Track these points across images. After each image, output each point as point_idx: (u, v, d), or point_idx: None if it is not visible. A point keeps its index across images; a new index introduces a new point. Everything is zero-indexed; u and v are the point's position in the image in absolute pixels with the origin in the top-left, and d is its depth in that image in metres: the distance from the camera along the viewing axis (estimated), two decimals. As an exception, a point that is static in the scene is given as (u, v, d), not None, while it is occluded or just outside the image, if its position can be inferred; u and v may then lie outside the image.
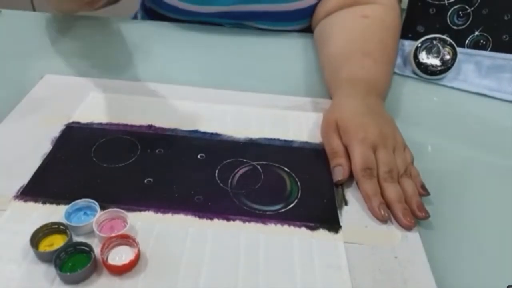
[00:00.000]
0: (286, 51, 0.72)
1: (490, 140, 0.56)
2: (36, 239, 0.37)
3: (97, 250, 0.37)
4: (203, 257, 0.38)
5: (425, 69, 0.66)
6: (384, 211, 0.42)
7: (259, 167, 0.47)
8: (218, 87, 0.60)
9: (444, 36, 0.66)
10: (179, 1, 0.69)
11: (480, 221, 0.45)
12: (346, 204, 0.44)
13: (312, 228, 0.41)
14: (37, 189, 0.43)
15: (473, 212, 0.46)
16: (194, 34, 0.72)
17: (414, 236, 0.41)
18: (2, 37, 0.70)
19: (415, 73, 0.67)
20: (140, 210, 0.42)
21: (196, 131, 0.52)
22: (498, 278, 0.39)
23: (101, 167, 0.46)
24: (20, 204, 0.41)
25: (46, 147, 0.48)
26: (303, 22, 0.75)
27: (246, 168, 0.47)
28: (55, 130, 0.50)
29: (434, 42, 0.66)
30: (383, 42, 0.61)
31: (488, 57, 0.68)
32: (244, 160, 0.48)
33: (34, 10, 1.59)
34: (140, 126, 0.52)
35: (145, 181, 0.45)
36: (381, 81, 0.57)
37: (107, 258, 0.37)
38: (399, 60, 0.69)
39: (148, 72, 0.63)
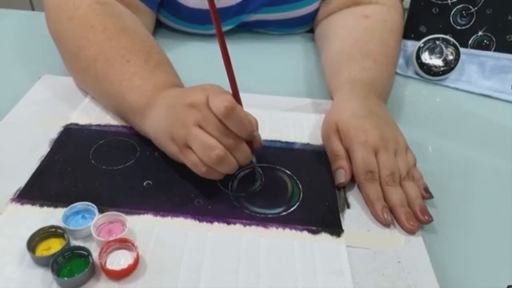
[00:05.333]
0: (287, 52, 0.71)
1: (493, 142, 0.55)
2: (33, 243, 0.37)
3: (95, 254, 0.36)
4: (203, 262, 0.38)
5: (427, 69, 0.65)
6: (387, 215, 0.42)
7: (259, 169, 0.47)
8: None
9: (447, 36, 0.65)
10: (190, 25, 0.69)
11: (484, 224, 0.44)
12: (348, 207, 0.44)
13: (314, 232, 0.41)
14: (34, 191, 0.42)
15: (477, 215, 0.45)
16: (193, 35, 0.71)
17: (417, 240, 0.41)
18: (0, 37, 0.70)
19: (417, 74, 0.66)
20: (139, 213, 0.41)
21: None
22: (500, 281, 0.39)
23: (99, 169, 0.45)
24: (17, 207, 0.41)
25: (43, 149, 0.47)
26: (309, 25, 0.75)
27: (247, 171, 0.46)
28: (53, 132, 0.50)
29: (437, 42, 0.65)
30: (384, 43, 0.61)
31: (492, 57, 0.68)
32: (245, 162, 0.47)
33: (33, 9, 1.58)
34: (139, 128, 0.51)
35: (144, 183, 0.44)
36: (382, 82, 0.57)
37: (105, 263, 0.36)
38: (401, 61, 0.68)
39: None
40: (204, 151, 0.40)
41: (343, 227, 0.41)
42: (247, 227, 0.41)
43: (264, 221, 0.41)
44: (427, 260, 0.39)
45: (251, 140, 0.42)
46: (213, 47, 0.70)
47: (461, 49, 0.65)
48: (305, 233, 0.41)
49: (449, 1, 0.68)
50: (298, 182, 0.46)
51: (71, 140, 0.49)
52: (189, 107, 0.41)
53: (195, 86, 0.44)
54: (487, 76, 0.66)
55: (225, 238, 0.40)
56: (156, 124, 0.45)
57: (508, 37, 0.67)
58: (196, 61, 0.67)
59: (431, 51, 0.65)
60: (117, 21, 0.53)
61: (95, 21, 0.52)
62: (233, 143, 0.40)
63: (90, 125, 0.51)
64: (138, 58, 0.49)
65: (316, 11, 0.71)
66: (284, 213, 0.42)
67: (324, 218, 0.42)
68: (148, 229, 0.40)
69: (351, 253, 0.39)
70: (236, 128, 0.40)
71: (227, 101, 0.39)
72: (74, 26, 0.53)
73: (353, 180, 0.46)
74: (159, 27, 0.71)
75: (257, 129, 0.42)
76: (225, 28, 0.70)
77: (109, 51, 0.50)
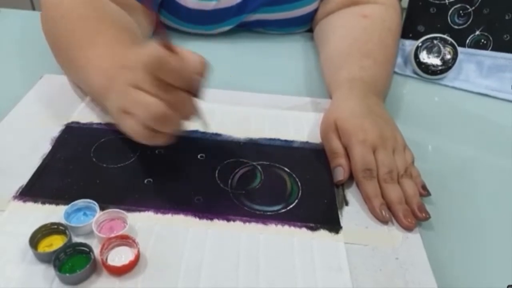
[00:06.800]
0: (287, 51, 0.71)
1: (491, 140, 0.56)
2: (35, 239, 0.37)
3: (96, 250, 0.36)
4: (203, 258, 0.38)
5: (425, 68, 0.65)
6: (385, 212, 0.42)
7: (259, 167, 0.47)
8: (218, 87, 0.60)
9: (444, 36, 0.66)
10: (190, 25, 0.70)
11: (481, 221, 0.45)
12: (346, 204, 0.44)
13: (312, 229, 0.41)
14: (36, 189, 0.43)
15: (474, 213, 0.45)
16: (194, 35, 0.71)
17: (415, 237, 0.41)
18: (0, 37, 0.70)
19: (415, 73, 0.67)
20: (139, 211, 0.41)
21: (196, 131, 0.51)
22: (498, 278, 0.39)
23: (100, 167, 0.46)
24: (19, 204, 0.41)
25: (45, 147, 0.48)
26: (308, 25, 0.75)
27: (246, 169, 0.47)
28: (55, 130, 0.50)
29: (435, 41, 0.66)
30: (383, 42, 0.61)
31: (489, 56, 0.68)
32: (244, 160, 0.48)
33: (33, 9, 1.58)
34: (140, 126, 0.51)
35: (145, 181, 0.45)
36: (381, 81, 0.57)
37: (106, 259, 0.37)
38: (399, 60, 0.68)
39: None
40: (143, 111, 0.37)
41: (342, 224, 0.42)
42: (247, 224, 0.41)
43: (264, 218, 0.42)
44: (424, 257, 0.39)
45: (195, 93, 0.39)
46: (213, 47, 0.71)
47: (459, 49, 0.65)
48: (304, 230, 0.41)
49: (447, 1, 0.68)
50: (297, 179, 0.46)
51: (73, 138, 0.49)
52: (122, 68, 0.39)
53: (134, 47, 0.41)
54: (484, 75, 0.66)
55: (225, 235, 0.40)
56: (110, 101, 0.43)
57: (505, 36, 0.68)
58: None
59: (429, 51, 0.66)
60: (95, 9, 0.54)
61: (71, 10, 0.53)
62: (172, 96, 0.37)
63: (91, 124, 0.51)
64: (97, 32, 0.49)
65: (315, 11, 0.72)
66: (283, 210, 0.43)
67: (323, 215, 0.43)
68: (149, 226, 0.40)
69: (350, 250, 0.40)
70: (170, 78, 0.36)
71: (153, 52, 0.35)
72: (55, 23, 0.55)
73: (351, 178, 0.46)
74: (158, 26, 0.72)
75: (204, 73, 0.38)
76: (225, 28, 0.70)
77: (78, 35, 0.51)
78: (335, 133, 0.49)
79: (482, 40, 0.69)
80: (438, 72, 0.65)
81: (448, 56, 0.65)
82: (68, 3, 0.55)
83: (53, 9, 0.56)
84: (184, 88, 0.37)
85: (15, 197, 0.42)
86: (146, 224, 0.40)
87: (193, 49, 0.69)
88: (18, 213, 0.40)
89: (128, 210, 0.41)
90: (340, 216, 0.43)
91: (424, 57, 0.66)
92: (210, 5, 0.64)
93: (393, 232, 0.42)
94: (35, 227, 0.37)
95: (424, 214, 0.42)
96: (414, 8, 0.70)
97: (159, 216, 0.41)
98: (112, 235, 0.38)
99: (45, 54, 0.63)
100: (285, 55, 0.70)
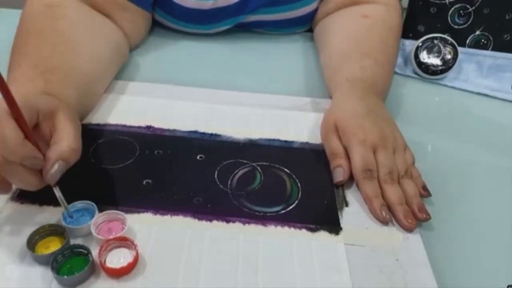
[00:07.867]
0: (287, 51, 0.71)
1: (491, 140, 0.56)
2: (32, 241, 0.37)
3: (95, 252, 0.36)
4: (202, 260, 0.38)
5: (426, 68, 0.65)
6: (386, 213, 0.42)
7: (259, 168, 0.47)
8: (218, 87, 0.59)
9: (445, 36, 0.65)
10: (188, 24, 0.69)
11: (481, 221, 0.44)
12: (346, 205, 0.44)
13: (312, 230, 0.41)
14: (34, 191, 0.42)
15: (474, 213, 0.45)
16: (193, 35, 0.71)
17: (415, 238, 0.41)
18: (0, 37, 0.70)
19: (416, 73, 0.67)
20: (138, 212, 0.41)
21: (195, 132, 0.51)
22: (498, 278, 0.39)
23: (99, 168, 0.46)
24: (17, 206, 0.41)
25: (43, 148, 0.47)
26: (308, 25, 0.75)
27: (246, 169, 0.47)
28: (53, 131, 0.50)
29: (435, 41, 0.65)
30: (383, 42, 0.61)
31: (489, 56, 0.68)
32: (244, 161, 0.48)
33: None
34: (139, 127, 0.51)
35: (144, 182, 0.44)
36: (381, 81, 0.57)
37: (105, 261, 0.36)
38: (399, 60, 0.68)
39: (147, 72, 0.62)
40: None
41: (342, 225, 0.42)
42: (246, 225, 0.41)
43: (263, 219, 0.42)
44: (425, 258, 0.39)
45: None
46: (213, 47, 0.71)
47: (459, 48, 0.65)
48: (303, 231, 0.41)
49: (447, 1, 0.68)
50: (297, 180, 0.46)
51: (71, 139, 0.49)
52: None
53: None
54: (484, 75, 0.66)
55: (224, 236, 0.40)
56: None
57: (506, 36, 0.68)
58: (192, 60, 0.67)
59: (429, 50, 0.65)
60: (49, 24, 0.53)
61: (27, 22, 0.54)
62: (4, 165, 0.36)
63: (90, 124, 0.51)
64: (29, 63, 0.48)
65: (315, 11, 0.71)
66: (283, 212, 0.43)
67: (323, 216, 0.42)
68: (148, 227, 0.40)
69: (350, 251, 0.39)
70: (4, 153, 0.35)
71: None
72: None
73: (351, 179, 0.46)
74: (154, 26, 0.71)
75: (68, 160, 0.38)
76: (222, 28, 0.70)
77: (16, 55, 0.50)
78: (335, 134, 0.49)
79: (483, 40, 0.68)
80: (438, 72, 0.65)
81: (448, 56, 0.65)
82: (28, 13, 0.54)
83: (21, 17, 0.55)
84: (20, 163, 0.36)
85: (12, 199, 0.41)
86: (145, 225, 0.40)
87: (192, 49, 0.69)
88: (15, 214, 0.40)
89: (127, 211, 0.41)
90: (340, 217, 0.43)
91: (424, 57, 0.65)
92: (207, 4, 0.64)
93: (393, 232, 0.41)
94: (32, 229, 0.37)
95: (424, 215, 0.42)
96: (414, 8, 0.70)
97: (158, 217, 0.41)
98: (111, 236, 0.37)
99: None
100: (285, 55, 0.70)
